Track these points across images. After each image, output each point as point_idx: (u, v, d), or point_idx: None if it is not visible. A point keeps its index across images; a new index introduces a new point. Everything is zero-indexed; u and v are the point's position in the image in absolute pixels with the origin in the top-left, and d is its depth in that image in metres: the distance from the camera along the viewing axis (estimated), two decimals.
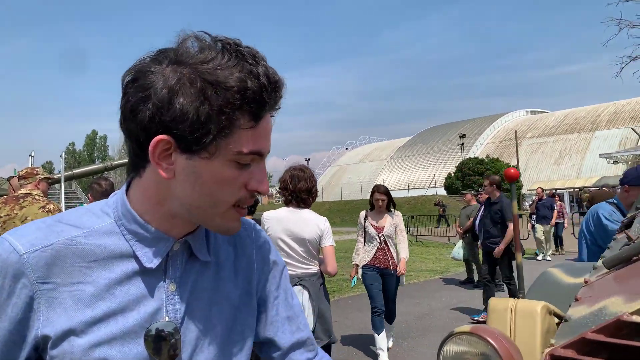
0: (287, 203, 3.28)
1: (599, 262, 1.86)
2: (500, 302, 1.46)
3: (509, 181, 2.11)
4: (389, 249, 4.87)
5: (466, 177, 38.39)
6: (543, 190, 12.73)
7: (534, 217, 12.47)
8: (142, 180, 0.79)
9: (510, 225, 6.02)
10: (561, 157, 47.81)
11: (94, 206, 0.83)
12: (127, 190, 0.82)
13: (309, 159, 51.49)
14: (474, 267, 8.89)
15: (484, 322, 5.30)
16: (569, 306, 1.56)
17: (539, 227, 11.90)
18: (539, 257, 12.03)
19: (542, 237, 11.97)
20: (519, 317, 1.40)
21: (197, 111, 0.69)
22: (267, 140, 0.77)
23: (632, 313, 1.09)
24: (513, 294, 6.06)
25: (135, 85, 0.72)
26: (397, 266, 4.83)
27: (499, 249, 6.09)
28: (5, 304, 0.74)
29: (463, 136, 46.05)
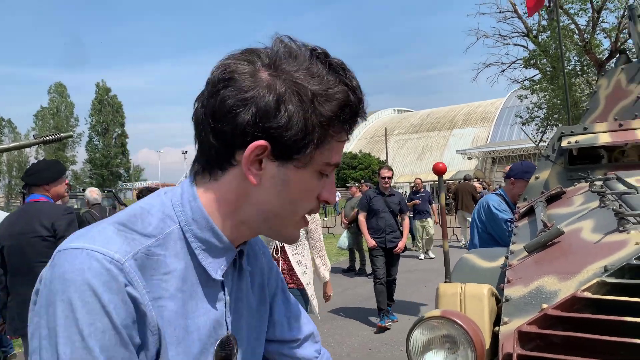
0: None
1: (516, 247, 2.07)
2: (449, 287, 1.57)
3: (438, 174, 2.25)
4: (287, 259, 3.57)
5: (341, 170, 39.97)
6: (422, 181, 11.49)
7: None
8: (219, 184, 0.74)
9: (407, 218, 6.13)
10: (423, 153, 51.83)
11: (151, 207, 0.74)
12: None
13: (186, 152, 49.58)
14: (356, 256, 9.39)
15: (388, 328, 5.49)
16: (501, 288, 1.72)
17: (418, 223, 10.52)
18: (421, 256, 10.63)
19: (422, 234, 10.57)
20: (468, 300, 1.51)
21: (305, 120, 0.69)
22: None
23: (584, 290, 1.24)
24: (390, 293, 5.88)
25: (233, 86, 0.69)
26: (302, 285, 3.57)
27: (403, 242, 5.87)
28: (127, 328, 0.64)
29: None
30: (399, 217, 6.02)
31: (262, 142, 0.69)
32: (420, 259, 10.57)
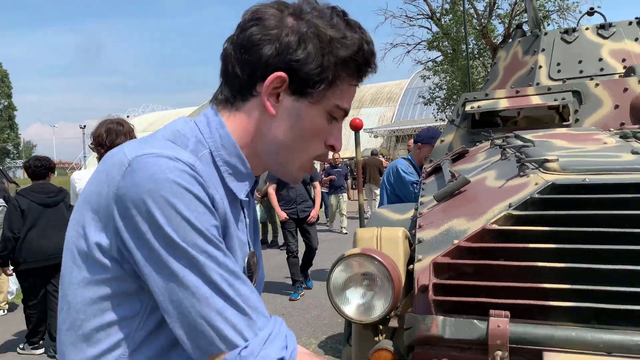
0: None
1: (426, 199, 2.16)
2: (366, 232, 1.60)
3: (354, 130, 2.28)
4: None
5: None
6: (339, 155, 11.31)
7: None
8: (240, 114, 0.81)
9: (318, 186, 6.04)
10: None
11: (185, 131, 0.80)
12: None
13: (84, 126, 46.39)
14: (269, 229, 9.41)
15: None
16: (413, 234, 1.79)
17: (333, 198, 10.47)
18: (334, 228, 10.72)
19: (336, 209, 10.52)
20: (384, 243, 1.55)
21: (322, 58, 0.76)
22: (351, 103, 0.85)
23: (492, 223, 1.32)
24: (308, 261, 5.93)
25: (261, 24, 0.77)
26: None
27: (316, 211, 5.84)
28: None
29: None
30: (310, 186, 5.97)
31: (281, 73, 0.76)
32: (333, 231, 10.72)
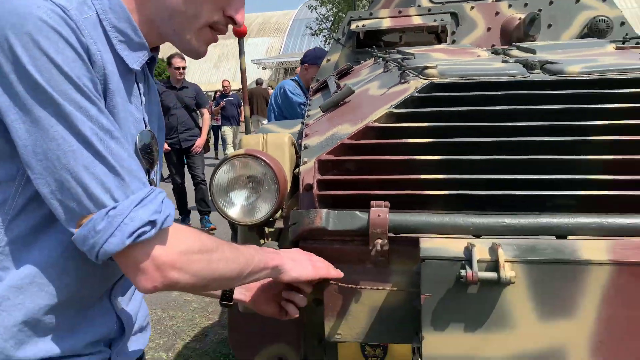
0: None
1: (312, 112, 2.14)
2: (252, 138, 1.55)
3: (238, 36, 2.15)
4: None
5: None
6: (230, 83, 10.87)
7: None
8: None
9: (207, 113, 5.61)
10: (220, 61, 50.77)
11: None
12: None
13: None
14: None
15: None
16: (299, 144, 1.77)
17: (227, 129, 10.06)
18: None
19: (230, 141, 10.03)
20: (269, 148, 1.51)
21: None
22: None
23: (375, 121, 1.33)
24: (204, 195, 5.46)
25: None
26: None
27: (202, 140, 5.45)
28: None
29: None
30: (196, 113, 5.52)
31: None
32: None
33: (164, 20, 0.77)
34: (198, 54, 0.81)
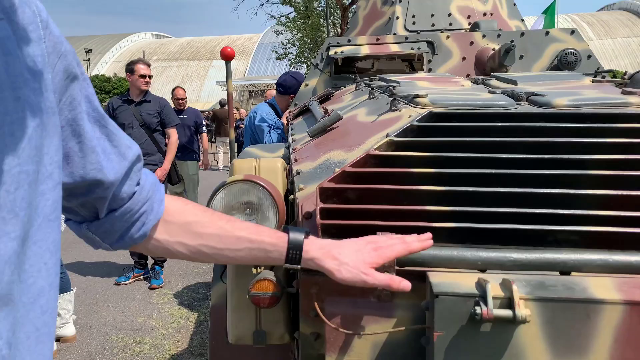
0: None
1: (297, 136, 2.10)
2: (244, 162, 1.49)
3: (226, 60, 2.10)
4: None
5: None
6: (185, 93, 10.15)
7: None
8: None
9: (174, 134, 4.54)
10: (183, 82, 50.26)
11: None
12: None
13: None
14: None
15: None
16: (287, 169, 1.72)
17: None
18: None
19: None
20: (262, 173, 1.46)
21: None
22: None
23: (375, 149, 1.29)
24: None
25: None
26: None
27: (163, 170, 4.40)
28: None
29: (89, 51, 42.39)
30: (157, 133, 4.50)
31: None
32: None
33: None
34: None
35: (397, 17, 3.77)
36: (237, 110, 14.95)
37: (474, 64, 3.30)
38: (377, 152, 1.28)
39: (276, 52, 22.64)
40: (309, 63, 20.23)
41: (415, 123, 1.36)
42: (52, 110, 0.54)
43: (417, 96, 1.69)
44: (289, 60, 21.72)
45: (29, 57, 0.52)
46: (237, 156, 2.20)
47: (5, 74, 0.47)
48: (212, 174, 10.88)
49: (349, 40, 3.35)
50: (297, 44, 21.30)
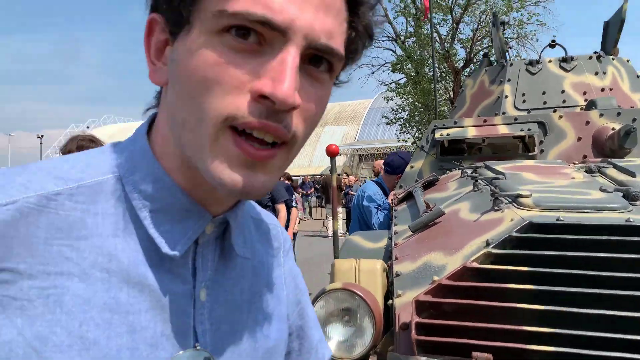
0: None
1: (400, 228, 2.16)
2: (344, 263, 1.58)
3: (331, 156, 2.27)
4: None
5: None
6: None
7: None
8: (159, 108, 0.53)
9: (283, 210, 4.71)
10: None
11: (90, 150, 0.53)
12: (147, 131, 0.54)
13: (42, 136, 44.96)
14: None
15: None
16: (388, 266, 1.78)
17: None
18: None
19: None
20: (362, 275, 1.53)
21: None
22: (300, 2, 0.44)
23: (473, 261, 1.32)
24: None
25: None
26: None
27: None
28: None
29: None
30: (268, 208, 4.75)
31: (150, 15, 0.50)
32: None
33: (183, 146, 0.48)
34: (223, 183, 0.46)
35: (506, 96, 3.75)
36: (347, 175, 15.34)
37: (592, 144, 3.14)
38: (474, 265, 1.30)
39: (386, 118, 23.07)
40: (419, 126, 20.34)
41: (514, 234, 1.37)
42: (284, 319, 0.66)
43: (520, 196, 1.68)
44: (400, 125, 21.97)
45: (271, 278, 0.65)
46: (342, 245, 2.30)
47: (249, 291, 0.60)
48: (323, 240, 11.27)
49: (455, 122, 3.38)
50: (408, 108, 21.54)
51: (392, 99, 21.94)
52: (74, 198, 0.47)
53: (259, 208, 0.70)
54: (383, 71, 21.98)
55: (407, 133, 21.35)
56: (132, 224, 0.49)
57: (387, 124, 22.87)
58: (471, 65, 18.43)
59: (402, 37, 20.49)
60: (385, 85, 22.23)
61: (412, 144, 21.29)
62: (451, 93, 19.00)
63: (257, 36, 0.44)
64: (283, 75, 0.43)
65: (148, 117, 0.56)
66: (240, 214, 0.58)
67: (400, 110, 21.81)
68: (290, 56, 0.44)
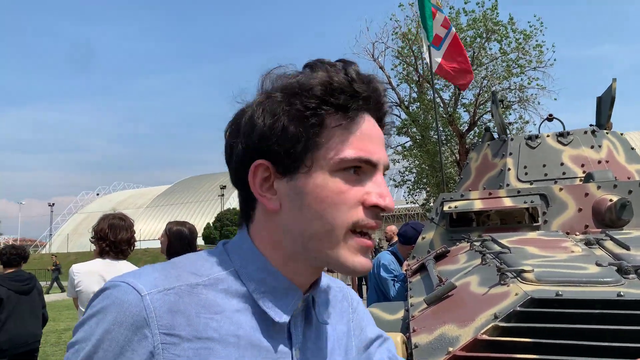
0: (103, 254, 3.05)
1: (415, 300, 2.34)
2: None
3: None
4: None
5: (224, 227, 39.35)
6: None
7: None
8: (255, 224, 0.72)
9: None
10: None
11: (205, 253, 0.73)
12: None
13: (53, 204, 45.69)
14: None
15: None
16: (407, 337, 1.96)
17: None
18: None
19: None
20: None
21: (279, 119, 0.66)
22: (377, 146, 0.69)
23: (483, 333, 1.51)
24: None
25: (231, 129, 0.73)
26: None
27: None
28: None
29: (223, 187, 47.17)
30: None
31: (259, 160, 0.68)
32: None
33: (301, 252, 0.69)
34: (356, 269, 0.68)
35: (509, 169, 4.01)
36: None
37: (592, 215, 3.33)
38: (484, 337, 1.49)
39: (394, 180, 23.37)
40: (428, 189, 20.59)
41: (518, 309, 1.56)
42: None
43: (523, 271, 1.89)
44: (407, 187, 22.24)
45: (343, 334, 0.82)
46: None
47: (326, 348, 0.77)
48: None
49: (462, 195, 3.62)
50: (415, 171, 21.89)
51: (398, 162, 22.36)
52: (208, 287, 0.66)
53: (325, 277, 0.84)
54: (390, 134, 22.48)
55: (415, 195, 21.60)
56: (249, 302, 0.68)
57: (396, 186, 23.20)
58: (475, 129, 18.94)
59: (406, 102, 21.15)
60: (392, 148, 22.75)
61: (422, 205, 21.52)
62: (457, 155, 19.39)
63: (357, 169, 0.68)
64: (386, 191, 0.69)
65: (242, 227, 0.75)
66: (322, 289, 0.79)
67: (407, 173, 22.17)
68: (382, 179, 0.70)
